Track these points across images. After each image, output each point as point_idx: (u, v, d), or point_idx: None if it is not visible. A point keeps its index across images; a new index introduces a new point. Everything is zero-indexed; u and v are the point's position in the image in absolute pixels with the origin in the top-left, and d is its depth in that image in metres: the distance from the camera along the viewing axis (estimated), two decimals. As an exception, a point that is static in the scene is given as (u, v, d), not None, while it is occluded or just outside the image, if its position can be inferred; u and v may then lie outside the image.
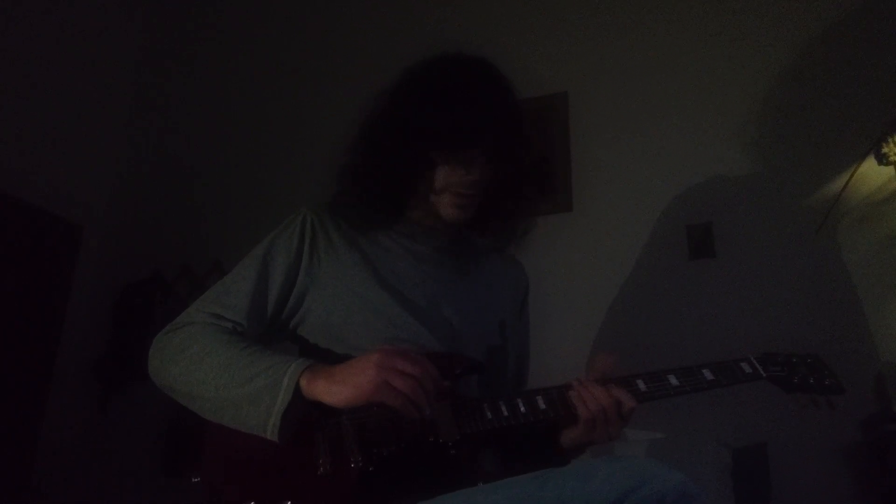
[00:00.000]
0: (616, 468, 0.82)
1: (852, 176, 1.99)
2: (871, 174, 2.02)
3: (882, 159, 1.98)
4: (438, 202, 1.15)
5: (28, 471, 2.56)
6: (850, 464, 1.84)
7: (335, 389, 0.95)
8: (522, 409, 1.02)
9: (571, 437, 1.07)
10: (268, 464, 0.97)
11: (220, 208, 2.89)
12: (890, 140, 1.93)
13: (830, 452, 1.86)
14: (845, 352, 1.88)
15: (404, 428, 0.97)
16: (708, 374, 1.08)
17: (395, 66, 1.18)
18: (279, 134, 2.91)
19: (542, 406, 1.03)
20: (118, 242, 2.97)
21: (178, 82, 3.22)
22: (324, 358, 1.08)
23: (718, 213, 2.19)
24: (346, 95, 2.83)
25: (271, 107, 2.95)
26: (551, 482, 0.83)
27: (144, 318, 2.79)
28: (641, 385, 1.06)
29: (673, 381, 1.07)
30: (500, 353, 1.21)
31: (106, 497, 2.54)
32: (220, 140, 3.02)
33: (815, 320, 1.98)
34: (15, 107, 2.67)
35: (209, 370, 1.01)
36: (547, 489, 0.82)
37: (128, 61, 3.22)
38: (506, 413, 1.01)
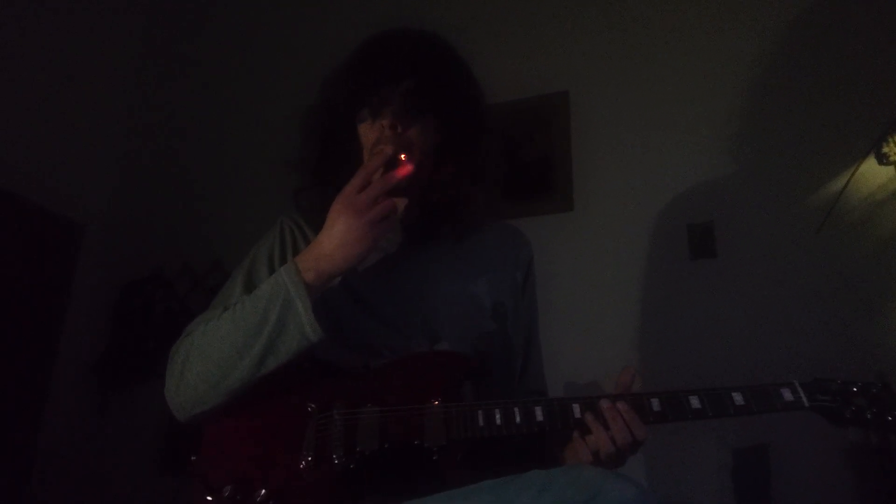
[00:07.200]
0: (570, 479, 0.80)
1: (852, 176, 1.99)
2: (871, 174, 2.02)
3: (882, 159, 1.98)
4: None
5: (27, 471, 2.56)
6: (850, 464, 1.84)
7: (338, 258, 0.99)
8: (519, 419, 0.95)
9: (572, 454, 1.01)
10: (253, 452, 0.97)
11: (221, 207, 2.89)
12: (890, 140, 1.94)
13: (830, 453, 1.86)
14: (845, 351, 1.89)
15: (392, 430, 0.95)
16: (738, 398, 0.94)
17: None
18: (280, 132, 2.90)
19: (540, 419, 0.95)
20: (119, 241, 2.97)
21: (179, 80, 3.22)
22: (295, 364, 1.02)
23: (719, 213, 2.18)
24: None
25: (272, 105, 2.95)
26: (508, 493, 0.81)
27: (145, 316, 2.79)
28: (656, 404, 0.97)
29: (695, 403, 0.95)
30: (497, 340, 1.14)
31: (105, 497, 2.54)
32: (221, 138, 3.02)
33: (816, 320, 1.98)
34: (16, 105, 2.67)
35: (222, 345, 0.99)
36: (501, 501, 0.80)
37: (129, 59, 3.22)
38: (499, 422, 0.95)
